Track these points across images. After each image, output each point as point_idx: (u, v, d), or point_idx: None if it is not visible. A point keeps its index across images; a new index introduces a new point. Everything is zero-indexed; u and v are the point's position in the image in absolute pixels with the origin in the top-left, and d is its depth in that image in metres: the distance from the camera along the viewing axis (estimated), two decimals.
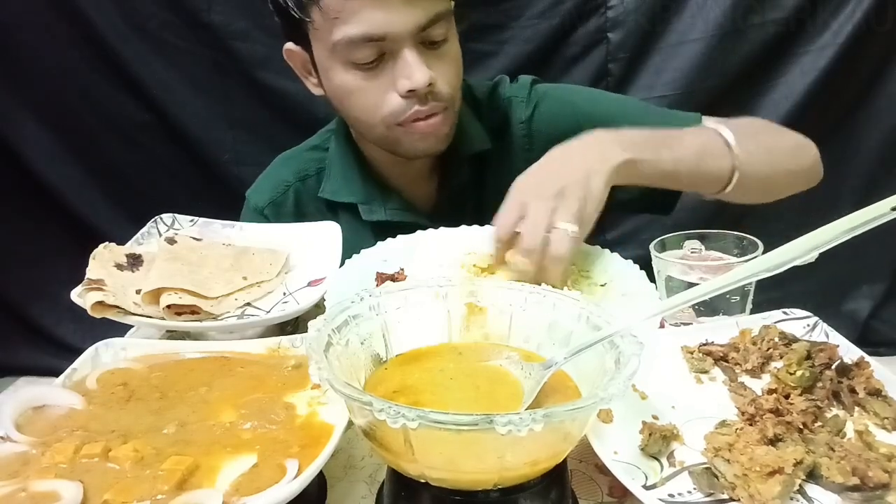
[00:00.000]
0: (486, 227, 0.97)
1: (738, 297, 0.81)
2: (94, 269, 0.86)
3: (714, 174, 0.91)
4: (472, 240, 0.95)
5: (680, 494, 0.54)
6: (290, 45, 1.01)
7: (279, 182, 1.14)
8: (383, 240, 0.93)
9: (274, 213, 1.12)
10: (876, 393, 0.64)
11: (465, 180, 1.09)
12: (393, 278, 0.87)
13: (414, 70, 0.91)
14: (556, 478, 0.55)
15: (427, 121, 0.96)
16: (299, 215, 1.11)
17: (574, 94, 1.14)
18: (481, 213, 0.91)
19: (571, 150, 0.84)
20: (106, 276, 0.85)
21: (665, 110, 1.10)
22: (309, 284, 0.90)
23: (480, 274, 0.88)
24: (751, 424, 0.59)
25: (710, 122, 0.98)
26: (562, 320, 0.62)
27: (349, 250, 0.91)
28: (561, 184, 0.79)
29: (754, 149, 0.93)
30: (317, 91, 1.04)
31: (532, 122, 1.10)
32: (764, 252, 0.78)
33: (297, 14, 0.92)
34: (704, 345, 0.74)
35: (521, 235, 0.79)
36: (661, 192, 0.97)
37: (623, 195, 0.96)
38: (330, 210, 1.10)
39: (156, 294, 0.83)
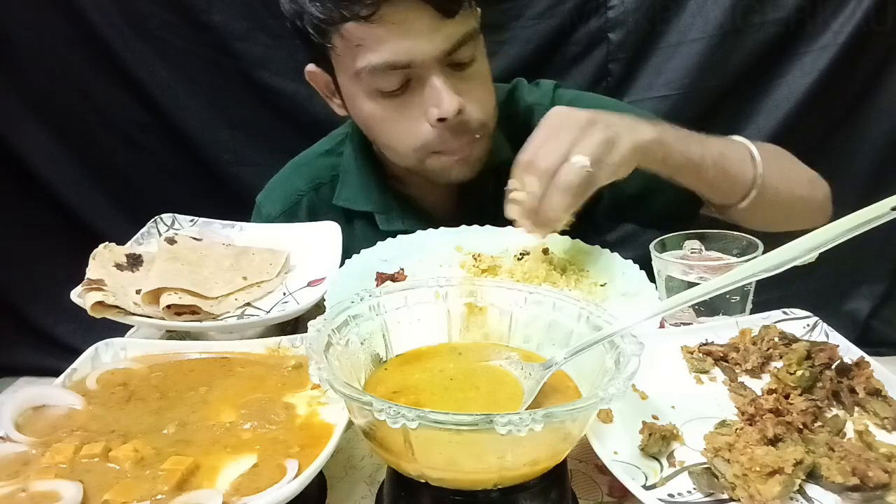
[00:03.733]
0: (486, 227, 0.98)
1: (738, 297, 0.81)
2: (94, 269, 0.86)
3: (737, 177, 0.92)
4: (472, 240, 0.95)
5: (680, 494, 0.54)
6: (311, 67, 0.99)
7: (292, 191, 1.12)
8: None
9: (287, 222, 1.09)
10: (876, 393, 0.64)
11: (485, 190, 1.04)
12: (393, 278, 0.87)
13: (443, 97, 0.88)
14: (556, 478, 0.55)
15: (461, 146, 0.94)
16: None
17: (599, 106, 1.10)
18: (500, 222, 0.90)
19: (611, 114, 0.84)
20: (106, 276, 0.85)
21: None
22: (309, 284, 0.90)
23: (480, 274, 0.88)
24: (751, 424, 0.59)
25: (737, 138, 0.98)
26: (562, 320, 0.62)
27: None
28: (594, 120, 0.79)
29: (775, 167, 0.94)
30: (341, 112, 1.02)
31: None
32: (764, 252, 0.78)
33: (316, 40, 0.89)
34: (704, 345, 0.73)
35: (534, 159, 0.79)
36: (683, 202, 0.98)
37: (648, 208, 0.97)
38: (345, 218, 1.07)
39: (156, 294, 0.83)
